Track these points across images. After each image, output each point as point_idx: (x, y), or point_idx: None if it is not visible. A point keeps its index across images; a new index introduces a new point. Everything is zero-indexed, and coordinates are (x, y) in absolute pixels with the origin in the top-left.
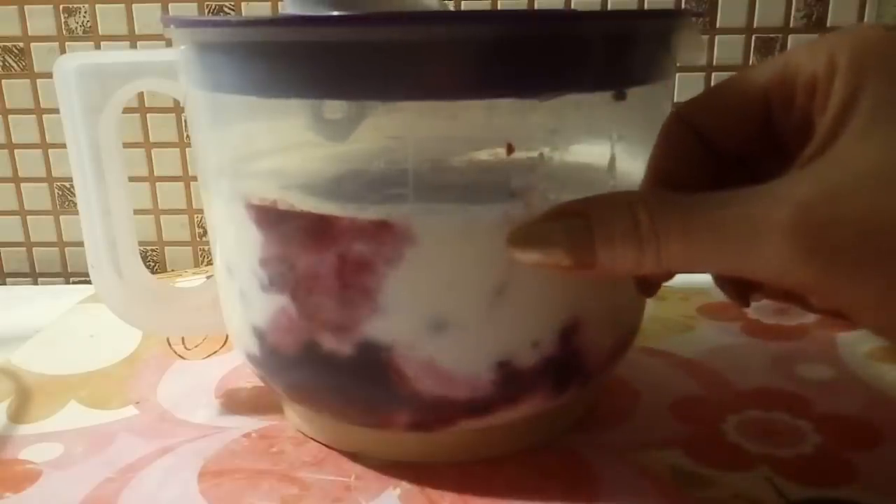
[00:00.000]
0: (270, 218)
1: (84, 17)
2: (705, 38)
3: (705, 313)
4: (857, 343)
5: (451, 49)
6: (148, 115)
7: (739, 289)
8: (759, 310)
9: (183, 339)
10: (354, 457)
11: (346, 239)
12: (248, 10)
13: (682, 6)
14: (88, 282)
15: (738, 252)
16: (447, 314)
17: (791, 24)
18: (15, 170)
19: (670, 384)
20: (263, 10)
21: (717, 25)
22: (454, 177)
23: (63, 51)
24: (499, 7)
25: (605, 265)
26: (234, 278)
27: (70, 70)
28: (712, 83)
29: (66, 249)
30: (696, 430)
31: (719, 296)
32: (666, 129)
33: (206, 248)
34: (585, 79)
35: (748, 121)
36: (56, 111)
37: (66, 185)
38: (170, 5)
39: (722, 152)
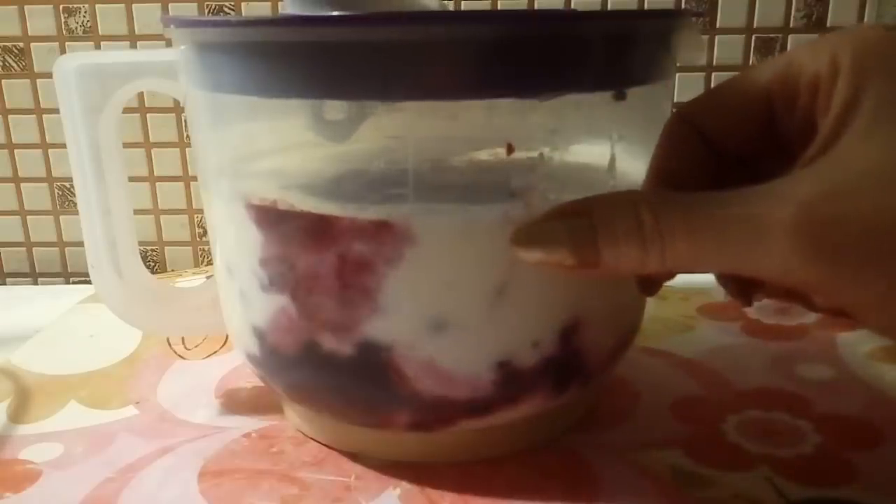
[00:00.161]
0: (270, 218)
1: (84, 17)
2: (705, 38)
3: (705, 313)
4: (857, 343)
5: (450, 49)
6: (148, 115)
7: (742, 287)
8: (760, 310)
9: (183, 339)
10: (354, 457)
11: (346, 239)
12: (248, 10)
13: (682, 6)
14: (88, 282)
15: (742, 251)
16: (447, 314)
17: (791, 24)
18: (15, 170)
19: (670, 384)
20: (263, 10)
21: (717, 25)
22: (454, 177)
23: (63, 51)
24: (499, 7)
25: (608, 264)
26: (234, 278)
27: (70, 70)
28: (712, 83)
29: (66, 249)
30: (696, 430)
31: (719, 296)
32: (668, 129)
33: (206, 248)
34: (585, 79)
35: (750, 121)
36: (56, 111)
37: (66, 185)
38: (170, 5)
39: (724, 152)
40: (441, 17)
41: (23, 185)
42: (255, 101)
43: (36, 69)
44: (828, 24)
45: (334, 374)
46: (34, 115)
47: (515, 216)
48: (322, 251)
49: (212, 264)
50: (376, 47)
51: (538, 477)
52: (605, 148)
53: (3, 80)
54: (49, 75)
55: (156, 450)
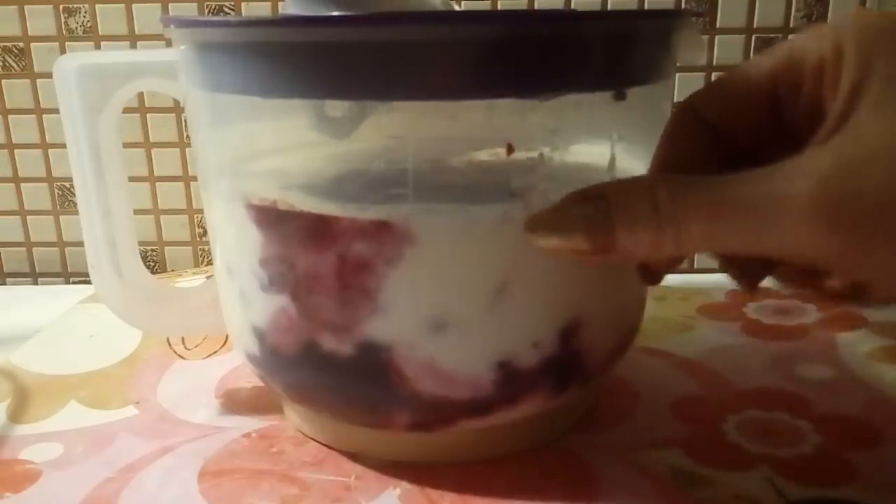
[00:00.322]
0: (270, 218)
1: (84, 17)
2: (705, 38)
3: (705, 313)
4: (857, 343)
5: (451, 49)
6: (148, 115)
7: (751, 271)
8: (760, 310)
9: (183, 339)
10: (354, 457)
11: (346, 239)
12: (248, 10)
13: (682, 6)
14: (88, 282)
15: (760, 229)
16: (447, 314)
17: (791, 24)
18: (15, 170)
19: (670, 384)
20: (263, 10)
21: (717, 25)
22: (454, 177)
23: (63, 51)
24: (499, 7)
25: (624, 248)
26: (234, 278)
27: (70, 70)
28: None
29: (66, 249)
30: (696, 430)
31: (719, 296)
32: (672, 120)
33: (206, 248)
34: (585, 79)
35: (754, 109)
36: (56, 111)
37: (66, 185)
38: (170, 5)
39: (729, 142)
40: (441, 17)
41: (23, 185)
42: (254, 101)
43: (36, 69)
44: None
45: (334, 374)
46: (34, 115)
47: (515, 216)
48: (322, 251)
49: (212, 264)
50: (377, 47)
51: (538, 477)
52: (605, 148)
53: (3, 80)
54: (49, 75)
55: (156, 450)
